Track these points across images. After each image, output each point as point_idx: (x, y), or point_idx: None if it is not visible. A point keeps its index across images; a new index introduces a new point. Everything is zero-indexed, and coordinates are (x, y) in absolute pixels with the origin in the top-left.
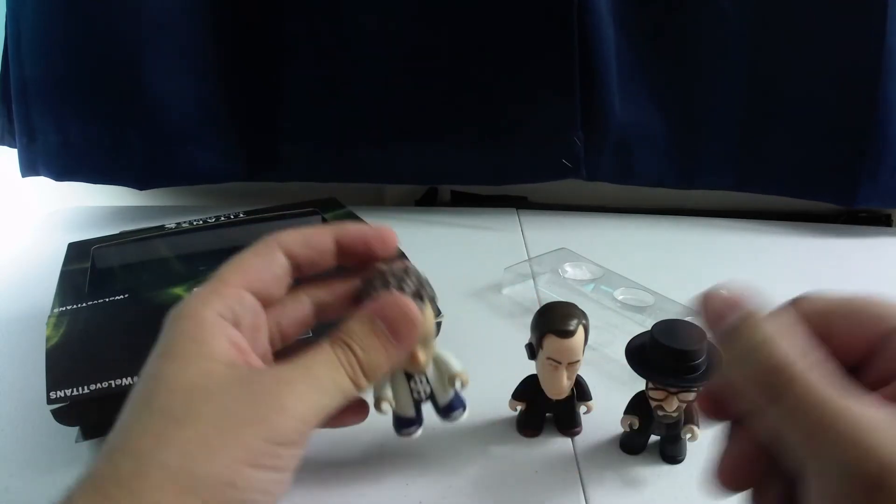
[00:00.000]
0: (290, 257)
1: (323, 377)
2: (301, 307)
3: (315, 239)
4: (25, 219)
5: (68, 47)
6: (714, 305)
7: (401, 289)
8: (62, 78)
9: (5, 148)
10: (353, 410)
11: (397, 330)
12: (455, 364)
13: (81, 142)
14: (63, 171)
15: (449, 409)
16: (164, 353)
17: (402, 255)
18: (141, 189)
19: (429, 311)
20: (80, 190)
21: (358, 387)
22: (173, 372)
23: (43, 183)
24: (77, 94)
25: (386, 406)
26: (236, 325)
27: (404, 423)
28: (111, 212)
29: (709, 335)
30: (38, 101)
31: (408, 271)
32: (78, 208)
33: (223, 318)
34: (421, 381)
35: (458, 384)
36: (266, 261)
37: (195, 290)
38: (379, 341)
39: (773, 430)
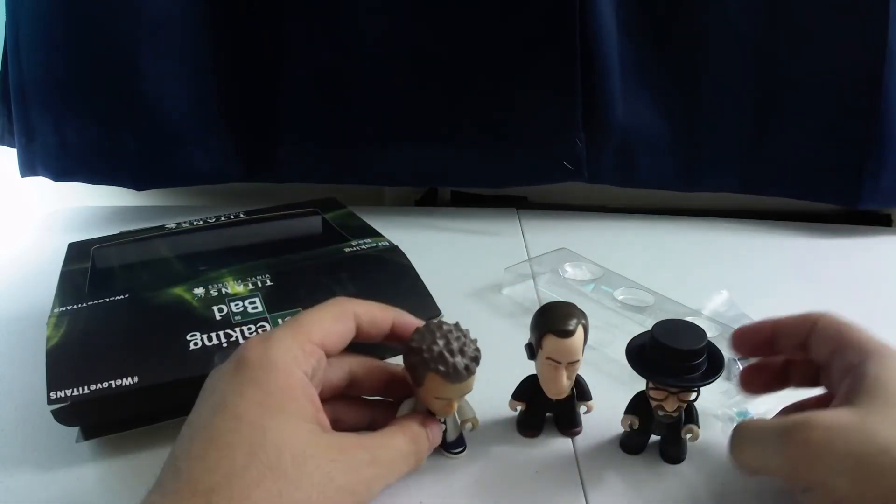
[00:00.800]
0: (357, 328)
1: (397, 468)
2: (340, 374)
3: (379, 319)
4: (25, 219)
5: (66, 48)
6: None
7: (462, 352)
8: (60, 79)
9: (5, 148)
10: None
11: (433, 442)
12: (470, 410)
13: (79, 142)
14: (61, 171)
15: (454, 445)
16: (263, 404)
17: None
18: (139, 190)
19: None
20: (80, 190)
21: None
22: (280, 429)
23: (43, 183)
24: (75, 94)
25: None
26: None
27: None
28: (111, 212)
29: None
30: (37, 102)
31: (466, 334)
32: (78, 208)
33: (307, 377)
34: (439, 421)
35: (468, 427)
36: (344, 329)
37: (279, 332)
38: (429, 445)
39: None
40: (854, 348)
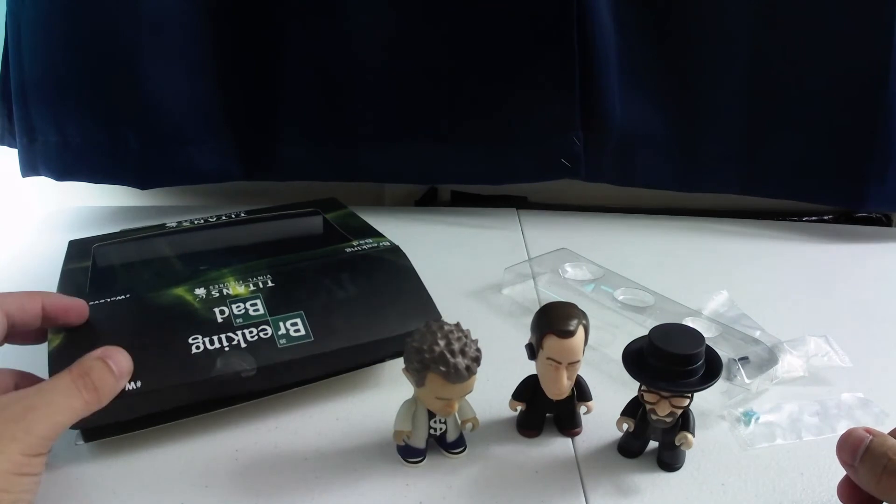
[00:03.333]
0: (8, 318)
1: (61, 404)
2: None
3: (28, 305)
4: (26, 218)
5: (67, 48)
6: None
7: (463, 352)
8: (61, 78)
9: (6, 148)
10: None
11: (122, 373)
12: (470, 410)
13: (81, 142)
14: (63, 170)
15: (455, 445)
16: None
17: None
18: (142, 188)
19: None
20: (80, 189)
21: (90, 410)
22: None
23: (43, 182)
24: (76, 94)
25: (403, 437)
26: None
27: (414, 454)
28: (112, 211)
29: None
30: (38, 102)
31: (467, 334)
32: (79, 208)
33: None
34: (440, 421)
35: (468, 427)
36: None
37: None
38: (112, 377)
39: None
40: None
